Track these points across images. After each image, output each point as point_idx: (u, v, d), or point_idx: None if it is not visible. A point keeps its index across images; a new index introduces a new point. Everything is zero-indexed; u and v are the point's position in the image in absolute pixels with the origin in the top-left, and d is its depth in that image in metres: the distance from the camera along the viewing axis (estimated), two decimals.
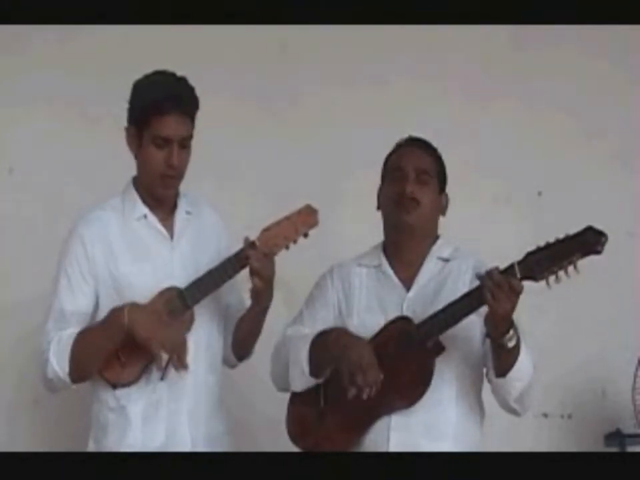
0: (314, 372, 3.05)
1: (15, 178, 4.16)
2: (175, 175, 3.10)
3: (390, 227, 3.15)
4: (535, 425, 4.22)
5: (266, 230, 3.07)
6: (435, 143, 3.18)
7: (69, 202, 3.97)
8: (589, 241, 2.80)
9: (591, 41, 4.30)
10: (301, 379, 3.07)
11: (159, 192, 3.14)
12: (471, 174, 4.24)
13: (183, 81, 3.10)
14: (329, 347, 3.01)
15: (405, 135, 3.20)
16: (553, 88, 4.34)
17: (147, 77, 3.11)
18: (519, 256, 2.88)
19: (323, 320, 3.16)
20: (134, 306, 3.02)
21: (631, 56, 4.38)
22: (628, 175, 4.38)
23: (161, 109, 3.03)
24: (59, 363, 3.05)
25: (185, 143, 3.09)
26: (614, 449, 4.18)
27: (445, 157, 3.17)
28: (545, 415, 4.31)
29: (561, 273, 2.83)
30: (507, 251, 2.98)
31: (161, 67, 3.12)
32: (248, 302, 3.18)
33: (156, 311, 3.04)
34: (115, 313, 3.02)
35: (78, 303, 3.10)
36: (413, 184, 3.07)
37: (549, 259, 2.83)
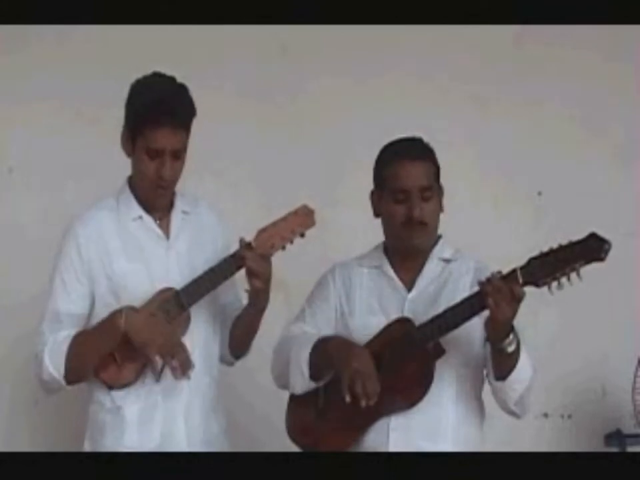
0: (314, 376, 3.05)
1: (14, 178, 4.16)
2: (165, 185, 3.08)
3: (396, 243, 3.11)
4: (535, 425, 4.22)
5: (262, 230, 3.06)
6: (434, 143, 3.14)
7: (69, 202, 3.97)
8: (591, 248, 2.78)
9: (591, 41, 4.30)
10: (301, 382, 3.07)
11: (150, 199, 3.12)
12: (471, 174, 4.24)
13: (179, 89, 3.05)
14: (330, 353, 3.01)
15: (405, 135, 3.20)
16: (553, 88, 4.34)
17: (144, 82, 3.06)
18: (519, 256, 2.87)
19: (325, 318, 3.15)
20: (132, 310, 3.02)
21: (632, 56, 4.38)
22: (628, 175, 4.37)
23: (154, 121, 2.98)
24: (54, 365, 3.04)
25: (177, 155, 3.05)
26: (614, 449, 4.18)
27: (445, 157, 3.14)
28: (545, 415, 4.31)
29: (563, 279, 2.82)
30: (507, 251, 2.98)
31: (161, 67, 3.10)
32: (245, 300, 3.17)
33: (153, 315, 3.03)
34: (113, 316, 3.01)
35: (73, 304, 3.09)
36: (419, 205, 3.02)
37: (552, 265, 2.81)
